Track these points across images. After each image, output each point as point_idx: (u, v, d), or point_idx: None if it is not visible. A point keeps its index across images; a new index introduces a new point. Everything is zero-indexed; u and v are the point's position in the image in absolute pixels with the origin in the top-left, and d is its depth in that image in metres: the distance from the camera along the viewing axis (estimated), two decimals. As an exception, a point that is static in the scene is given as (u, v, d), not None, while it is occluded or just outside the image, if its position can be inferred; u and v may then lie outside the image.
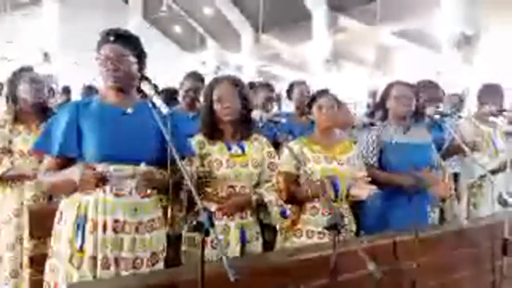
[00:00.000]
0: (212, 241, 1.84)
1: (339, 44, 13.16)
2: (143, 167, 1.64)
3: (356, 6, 12.33)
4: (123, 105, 1.71)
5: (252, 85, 3.51)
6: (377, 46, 13.47)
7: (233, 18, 16.28)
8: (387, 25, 11.53)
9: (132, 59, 1.71)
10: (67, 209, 1.68)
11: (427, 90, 3.04)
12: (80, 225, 1.63)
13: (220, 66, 16.99)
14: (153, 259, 1.71)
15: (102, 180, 1.60)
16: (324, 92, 2.40)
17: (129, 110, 1.71)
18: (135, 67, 1.72)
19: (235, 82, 2.11)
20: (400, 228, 2.07)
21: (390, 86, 2.64)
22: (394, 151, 2.49)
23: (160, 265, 1.74)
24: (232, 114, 2.05)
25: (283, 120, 2.31)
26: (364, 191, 2.16)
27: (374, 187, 2.18)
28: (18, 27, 15.14)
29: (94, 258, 1.61)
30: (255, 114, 2.07)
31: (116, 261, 1.63)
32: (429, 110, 2.75)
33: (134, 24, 15.68)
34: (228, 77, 2.15)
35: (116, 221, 1.63)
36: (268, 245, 2.26)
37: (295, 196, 2.26)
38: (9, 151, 2.57)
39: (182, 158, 1.83)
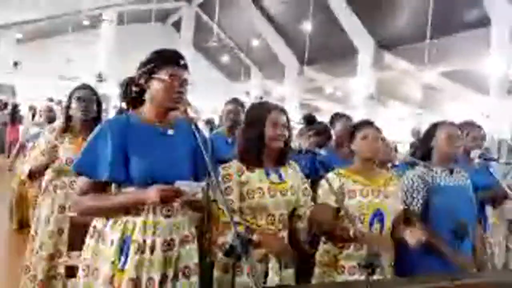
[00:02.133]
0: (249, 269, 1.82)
1: (384, 82, 13.08)
2: (186, 187, 1.62)
3: (404, 45, 12.27)
4: (162, 124, 1.72)
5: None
6: (423, 86, 13.28)
7: (279, 50, 16.57)
8: (435, 65, 11.37)
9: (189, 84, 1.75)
10: (112, 230, 1.66)
11: (471, 131, 2.95)
12: (124, 246, 1.62)
13: (263, 96, 17.20)
14: (187, 272, 1.70)
15: (178, 195, 1.58)
16: (368, 123, 2.36)
17: (170, 132, 1.72)
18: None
19: (284, 110, 2.12)
20: (435, 274, 1.98)
21: (436, 126, 2.55)
22: (439, 194, 2.39)
23: (195, 278, 1.73)
24: (282, 141, 2.02)
25: (322, 152, 2.29)
26: (415, 238, 2.09)
27: (424, 236, 2.09)
28: (77, 48, 16.03)
29: (133, 280, 1.59)
30: (293, 144, 2.06)
31: (162, 281, 1.62)
32: (473, 153, 2.66)
33: (185, 51, 16.24)
34: (277, 105, 2.15)
35: (165, 241, 1.63)
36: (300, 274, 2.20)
37: (334, 233, 2.20)
38: (53, 157, 2.69)
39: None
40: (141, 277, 1.60)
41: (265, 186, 2.00)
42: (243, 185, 1.99)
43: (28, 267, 2.68)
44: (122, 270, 1.59)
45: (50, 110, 4.92)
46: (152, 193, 1.56)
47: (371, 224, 2.20)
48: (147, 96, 1.73)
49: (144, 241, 1.61)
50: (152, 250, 1.61)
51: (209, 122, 3.75)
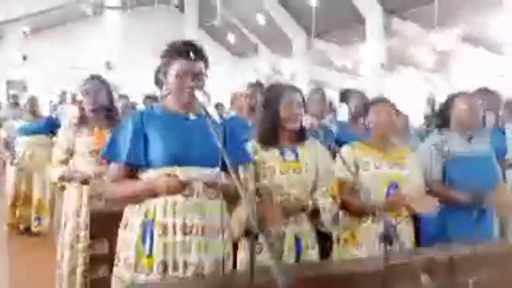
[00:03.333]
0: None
1: (394, 48, 12.83)
2: (207, 170, 1.67)
3: (411, 9, 11.97)
4: (185, 112, 1.75)
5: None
6: (434, 50, 12.99)
7: (285, 24, 16.33)
8: (445, 27, 11.09)
9: (205, 74, 1.76)
10: (133, 215, 1.70)
11: (486, 98, 2.91)
12: (147, 229, 1.65)
13: (272, 73, 17.07)
14: (217, 264, 1.70)
15: (185, 186, 1.64)
16: (382, 98, 2.37)
17: (192, 117, 1.75)
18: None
19: (298, 89, 2.12)
20: (459, 242, 1.99)
21: (455, 95, 2.52)
22: (458, 163, 2.37)
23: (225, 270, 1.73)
24: (298, 122, 2.03)
25: (334, 128, 2.29)
26: (426, 206, 2.08)
27: (436, 202, 2.09)
28: (83, 37, 16.02)
29: (164, 263, 1.63)
30: (306, 120, 2.04)
31: (185, 265, 1.65)
32: (488, 118, 2.63)
33: (190, 32, 16.15)
34: (291, 85, 2.17)
35: (184, 223, 1.65)
36: (325, 255, 2.23)
37: (352, 206, 2.21)
38: (71, 153, 2.75)
39: (241, 164, 1.88)
40: (168, 260, 1.63)
41: (277, 164, 2.01)
42: (258, 165, 2.01)
43: (61, 261, 2.74)
44: (150, 255, 1.63)
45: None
46: (160, 182, 1.61)
47: (387, 196, 2.21)
48: (165, 88, 1.77)
49: (166, 222, 1.64)
50: (174, 232, 1.64)
51: (218, 106, 3.77)
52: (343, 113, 3.67)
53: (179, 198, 1.65)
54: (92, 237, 2.36)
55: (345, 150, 2.30)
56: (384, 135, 2.31)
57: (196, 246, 1.65)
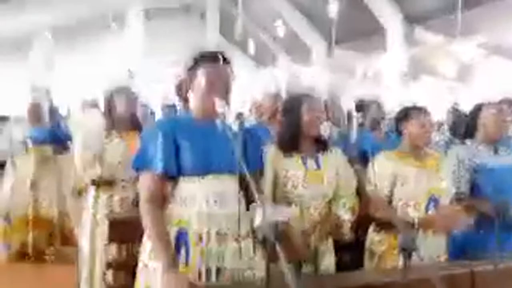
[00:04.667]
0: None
1: (416, 57, 12.69)
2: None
3: (434, 18, 11.84)
4: (210, 120, 1.74)
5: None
6: (457, 59, 12.80)
7: (305, 33, 16.33)
8: (467, 37, 10.93)
9: (233, 78, 1.77)
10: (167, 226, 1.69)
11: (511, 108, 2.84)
12: (181, 238, 1.66)
13: (292, 81, 17.06)
14: (251, 270, 1.70)
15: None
16: (422, 109, 2.28)
17: (218, 125, 1.71)
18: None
19: (319, 96, 2.11)
20: (481, 253, 1.94)
21: (482, 104, 2.47)
22: (485, 175, 2.33)
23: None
24: (320, 128, 2.02)
25: (353, 136, 2.27)
26: (460, 224, 2.05)
27: (469, 220, 2.05)
28: (106, 46, 16.33)
29: (199, 272, 1.64)
30: (323, 128, 2.03)
31: (218, 273, 1.65)
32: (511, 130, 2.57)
33: (212, 40, 16.30)
34: (312, 92, 2.17)
35: (219, 231, 1.65)
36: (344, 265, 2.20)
37: (384, 220, 2.16)
38: (101, 157, 2.79)
39: (260, 171, 1.88)
40: (202, 269, 1.65)
41: (300, 174, 1.99)
42: (278, 171, 2.01)
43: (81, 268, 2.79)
44: (186, 264, 1.64)
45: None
46: (170, 279, 1.54)
47: (426, 210, 2.15)
48: (191, 97, 1.77)
49: (201, 231, 1.65)
50: (208, 240, 1.65)
51: (239, 116, 3.83)
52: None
53: (213, 208, 1.65)
54: (111, 242, 2.40)
55: (381, 159, 2.24)
56: (421, 146, 2.24)
57: (232, 254, 1.66)
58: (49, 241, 4.47)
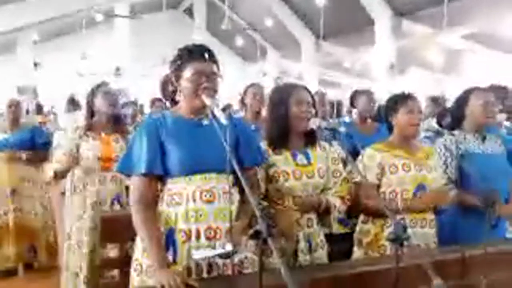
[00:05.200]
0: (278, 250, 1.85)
1: (404, 50, 12.77)
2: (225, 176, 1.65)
3: (421, 10, 11.91)
4: (197, 118, 1.73)
5: None
6: (444, 51, 12.89)
7: (293, 26, 16.34)
8: (454, 28, 11.01)
9: (218, 75, 1.74)
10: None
11: (498, 96, 2.87)
12: (169, 237, 1.65)
13: (281, 75, 17.07)
14: (240, 265, 1.70)
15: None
16: (412, 96, 2.26)
17: (205, 122, 1.73)
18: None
19: (307, 89, 2.08)
20: (471, 242, 1.96)
21: (469, 92, 2.46)
22: (474, 163, 2.32)
23: (248, 271, 1.73)
24: (308, 120, 1.98)
25: (342, 129, 2.26)
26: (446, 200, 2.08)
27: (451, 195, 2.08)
28: (93, 44, 16.21)
29: (188, 268, 1.63)
30: (313, 122, 1.99)
31: (209, 268, 1.65)
32: (499, 117, 2.58)
33: (198, 36, 16.24)
34: (300, 84, 2.13)
35: (209, 228, 1.64)
36: (335, 256, 2.21)
37: (371, 209, 2.17)
38: (76, 158, 2.76)
39: (257, 165, 1.87)
40: (191, 265, 1.63)
41: (291, 169, 1.99)
42: (269, 168, 1.99)
43: (68, 265, 2.78)
44: (174, 262, 1.63)
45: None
46: (162, 277, 1.53)
47: (414, 196, 2.18)
48: (179, 94, 1.74)
49: (189, 229, 1.64)
50: (198, 237, 1.64)
51: (226, 108, 3.78)
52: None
53: (200, 205, 1.64)
54: (103, 241, 2.39)
55: (369, 151, 2.25)
56: (410, 136, 2.26)
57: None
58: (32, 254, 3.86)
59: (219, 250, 1.57)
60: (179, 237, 1.64)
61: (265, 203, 1.96)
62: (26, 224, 3.80)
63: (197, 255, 1.60)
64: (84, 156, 2.75)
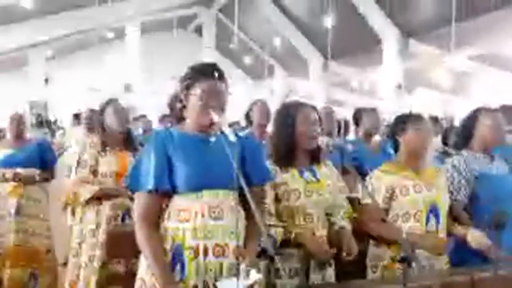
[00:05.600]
0: (290, 271, 1.86)
1: (411, 70, 12.81)
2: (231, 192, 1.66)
3: (428, 31, 11.98)
4: (204, 134, 1.72)
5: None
6: (452, 72, 12.92)
7: (300, 46, 16.48)
8: (462, 49, 11.05)
9: (228, 93, 1.75)
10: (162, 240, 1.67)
11: (507, 115, 2.85)
12: (177, 254, 1.63)
13: (289, 94, 17.15)
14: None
15: None
16: (419, 116, 2.25)
17: (212, 139, 1.71)
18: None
19: (315, 108, 2.09)
20: (481, 264, 1.94)
21: (478, 112, 2.43)
22: (484, 183, 2.29)
23: None
24: (315, 140, 1.98)
25: (350, 147, 2.26)
26: (479, 244, 2.07)
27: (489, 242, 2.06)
28: (104, 60, 16.44)
29: (195, 287, 1.61)
30: (320, 140, 2.00)
31: (215, 286, 1.62)
32: (509, 138, 2.56)
33: (207, 54, 16.44)
34: (307, 103, 2.12)
35: (217, 245, 1.63)
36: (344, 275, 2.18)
37: (376, 234, 2.15)
38: (95, 172, 2.76)
39: (264, 183, 1.85)
40: (198, 284, 1.61)
41: (301, 186, 1.98)
42: (278, 187, 1.98)
43: (75, 281, 2.76)
44: (181, 281, 1.60)
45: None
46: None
47: (427, 221, 2.13)
48: (187, 112, 1.74)
49: (197, 246, 1.62)
50: (205, 254, 1.61)
51: (233, 125, 3.79)
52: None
53: (209, 221, 1.63)
54: (109, 256, 2.39)
55: (377, 174, 2.23)
56: (418, 155, 2.22)
57: (229, 267, 1.63)
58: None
59: (246, 280, 1.47)
60: (187, 254, 1.61)
61: (284, 224, 1.95)
62: (28, 247, 3.39)
63: (223, 285, 1.54)
64: (101, 172, 2.76)
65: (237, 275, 1.50)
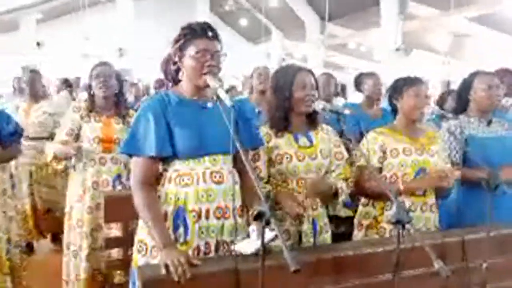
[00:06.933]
0: (283, 232, 1.87)
1: (409, 32, 12.61)
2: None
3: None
4: (201, 99, 1.72)
5: None
6: (450, 33, 12.74)
7: (298, 8, 16.14)
8: (461, 10, 10.85)
9: (222, 54, 1.72)
10: (163, 203, 1.69)
11: (505, 79, 2.84)
12: (179, 217, 1.66)
13: (285, 57, 16.94)
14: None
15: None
16: (418, 80, 2.24)
17: (209, 105, 1.71)
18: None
19: (311, 72, 2.06)
20: (472, 225, 1.97)
21: (473, 76, 2.43)
22: (479, 146, 2.31)
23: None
24: (311, 104, 1.97)
25: (347, 111, 2.25)
26: (450, 179, 2.07)
27: (456, 173, 2.08)
28: (96, 24, 16.06)
29: (198, 248, 1.66)
30: (317, 104, 1.99)
31: (217, 246, 1.68)
32: (504, 101, 2.56)
33: (202, 17, 16.08)
34: (304, 67, 2.10)
35: (218, 207, 1.67)
36: (339, 238, 2.22)
37: (373, 191, 2.17)
38: (77, 136, 2.75)
39: (254, 148, 1.89)
40: (200, 244, 1.66)
41: (293, 150, 1.99)
42: (271, 151, 2.00)
43: (69, 243, 2.81)
44: (185, 242, 1.65)
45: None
46: (167, 257, 1.52)
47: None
48: (182, 74, 1.73)
49: (200, 209, 1.66)
50: (207, 217, 1.66)
51: (230, 90, 3.75)
52: (356, 96, 3.63)
53: (211, 185, 1.67)
54: (106, 220, 2.41)
55: (372, 135, 2.25)
56: (414, 119, 2.23)
57: (231, 228, 1.68)
58: None
59: (259, 240, 1.39)
60: (190, 217, 1.65)
61: (268, 186, 1.97)
62: None
63: (241, 247, 1.56)
64: (85, 137, 2.74)
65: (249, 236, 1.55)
